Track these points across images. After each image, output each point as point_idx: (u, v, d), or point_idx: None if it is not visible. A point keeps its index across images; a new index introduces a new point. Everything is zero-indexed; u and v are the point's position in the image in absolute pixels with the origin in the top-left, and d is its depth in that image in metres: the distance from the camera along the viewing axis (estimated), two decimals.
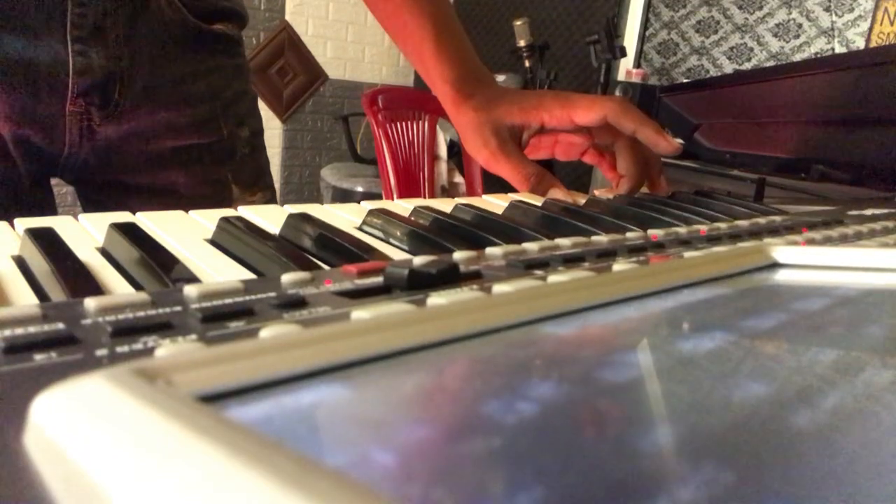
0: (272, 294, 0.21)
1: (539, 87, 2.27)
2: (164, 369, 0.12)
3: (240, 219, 0.31)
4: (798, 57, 2.32)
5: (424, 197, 1.67)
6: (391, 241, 0.34)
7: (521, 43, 2.28)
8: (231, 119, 0.62)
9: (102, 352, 0.16)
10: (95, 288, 0.22)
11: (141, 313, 0.18)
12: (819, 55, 2.28)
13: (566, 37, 2.80)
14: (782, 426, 0.12)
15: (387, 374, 0.14)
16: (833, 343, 0.18)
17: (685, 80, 2.59)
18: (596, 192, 0.55)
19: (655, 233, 0.35)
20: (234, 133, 0.62)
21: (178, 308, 0.19)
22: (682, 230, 0.36)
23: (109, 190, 0.59)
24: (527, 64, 2.28)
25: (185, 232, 0.31)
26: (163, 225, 0.32)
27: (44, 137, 0.52)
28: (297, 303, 0.20)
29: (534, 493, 0.09)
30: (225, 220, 0.31)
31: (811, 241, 0.33)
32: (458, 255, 0.27)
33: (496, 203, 0.46)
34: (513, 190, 0.53)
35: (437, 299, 0.20)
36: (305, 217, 0.33)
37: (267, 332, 0.16)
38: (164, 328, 0.17)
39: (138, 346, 0.16)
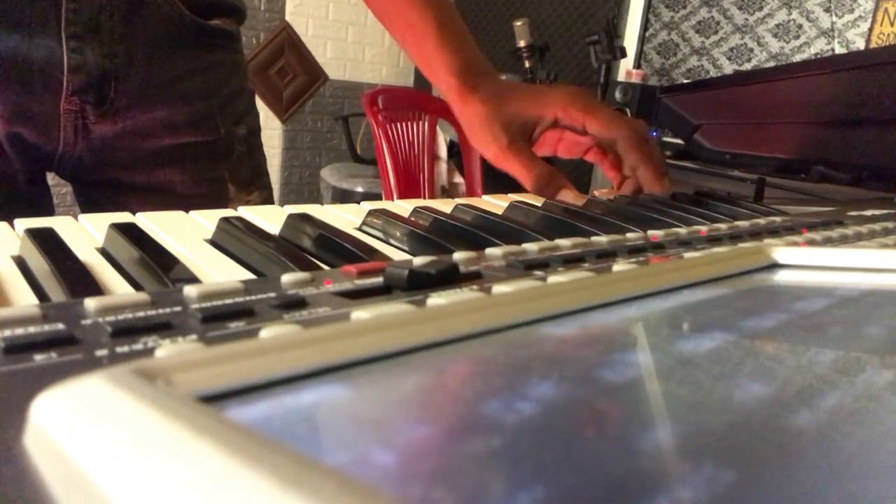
0: (272, 294, 0.21)
1: None
2: (164, 369, 0.12)
3: (240, 219, 0.31)
4: (798, 58, 2.32)
5: (424, 197, 1.67)
6: (391, 241, 0.34)
7: (521, 43, 2.28)
8: (228, 117, 0.61)
9: (102, 352, 0.16)
10: (95, 288, 0.22)
11: (141, 313, 0.18)
12: (819, 56, 2.28)
13: (566, 37, 2.80)
14: (782, 426, 0.12)
15: (387, 375, 0.14)
16: (833, 343, 0.18)
17: (685, 81, 2.59)
18: (596, 193, 0.55)
19: (655, 233, 0.35)
20: (231, 131, 0.61)
21: (178, 308, 0.19)
22: (681, 231, 0.36)
23: (105, 188, 0.58)
24: (527, 64, 2.28)
25: (184, 232, 0.31)
26: (163, 225, 0.32)
27: (38, 135, 0.52)
28: (297, 303, 0.20)
29: (533, 494, 0.09)
30: (225, 220, 0.31)
31: (811, 242, 0.33)
32: (458, 256, 0.27)
33: (496, 203, 0.46)
34: (513, 190, 0.53)
35: (436, 300, 0.20)
36: (305, 217, 0.33)
37: (267, 333, 0.16)
38: (164, 328, 0.17)
39: (138, 346, 0.16)
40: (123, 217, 0.32)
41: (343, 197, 2.43)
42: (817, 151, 0.81)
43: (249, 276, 0.26)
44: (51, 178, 0.60)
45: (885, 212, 0.49)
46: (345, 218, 0.37)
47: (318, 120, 3.10)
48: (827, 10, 2.23)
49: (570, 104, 0.52)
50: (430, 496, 0.09)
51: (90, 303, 0.18)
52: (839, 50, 2.21)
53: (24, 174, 0.54)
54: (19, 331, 0.16)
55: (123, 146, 0.56)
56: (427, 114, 2.16)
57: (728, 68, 2.51)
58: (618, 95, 2.10)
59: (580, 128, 0.53)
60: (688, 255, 0.28)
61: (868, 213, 0.48)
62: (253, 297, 0.20)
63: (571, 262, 0.28)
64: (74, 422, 0.11)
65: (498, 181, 0.56)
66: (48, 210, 0.60)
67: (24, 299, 0.22)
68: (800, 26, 2.31)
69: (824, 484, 0.10)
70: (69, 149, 0.54)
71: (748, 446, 0.11)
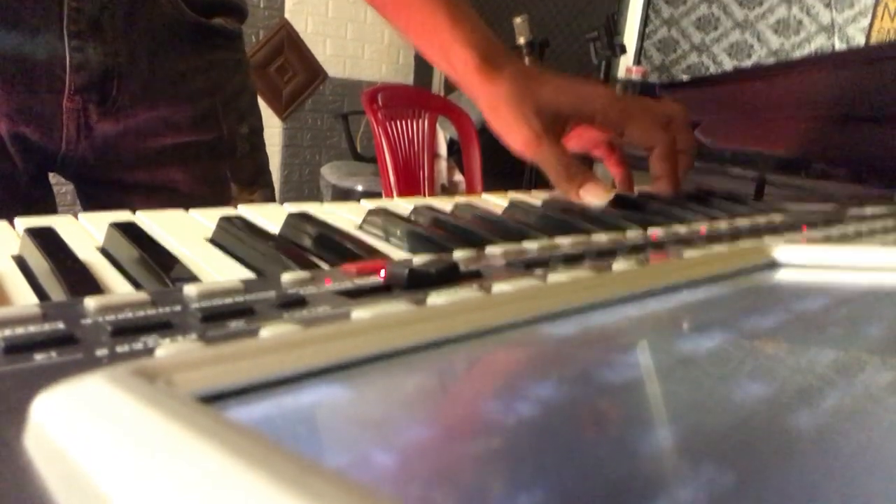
0: (272, 293, 0.21)
1: None
2: (164, 369, 0.12)
3: (240, 218, 0.31)
4: (798, 53, 2.32)
5: (424, 195, 1.67)
6: (391, 240, 0.34)
7: (521, 40, 2.27)
8: (231, 116, 0.61)
9: (102, 351, 0.16)
10: (95, 287, 0.22)
11: (141, 313, 0.18)
12: (819, 52, 2.28)
13: (566, 34, 2.80)
14: (782, 426, 0.12)
15: (387, 374, 0.14)
16: (833, 342, 0.18)
17: (685, 78, 2.58)
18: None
19: (655, 232, 0.35)
20: (233, 130, 0.61)
21: (178, 307, 0.19)
22: (681, 229, 0.36)
23: (108, 187, 0.58)
24: (526, 61, 2.27)
25: (185, 231, 0.31)
26: (163, 224, 0.32)
27: (41, 134, 0.52)
28: (297, 302, 0.20)
29: (534, 493, 0.09)
30: (225, 219, 0.31)
31: (811, 240, 0.33)
32: (458, 255, 0.27)
33: (496, 202, 0.46)
34: (513, 189, 0.53)
35: (436, 299, 0.20)
36: (305, 216, 0.33)
37: (267, 332, 0.16)
38: (164, 328, 0.17)
39: (138, 345, 0.16)
40: (123, 216, 0.32)
41: (343, 195, 2.43)
42: (817, 148, 0.81)
43: (249, 275, 0.26)
44: (51, 177, 0.60)
45: (885, 210, 0.49)
46: (345, 217, 0.37)
47: (317, 118, 3.10)
48: (827, 5, 2.23)
49: (610, 106, 0.48)
50: (429, 497, 0.09)
51: (90, 302, 0.18)
52: (839, 46, 2.20)
53: (27, 174, 0.54)
54: (19, 330, 0.16)
55: (126, 145, 0.56)
56: (427, 111, 2.15)
57: (728, 65, 2.50)
58: (618, 92, 2.10)
59: (617, 130, 0.49)
60: (688, 253, 0.28)
61: (868, 210, 0.48)
62: (253, 297, 0.20)
63: (571, 260, 0.28)
64: (74, 421, 0.11)
65: (498, 180, 0.55)
66: (51, 210, 0.60)
67: (24, 298, 0.22)
68: (800, 22, 2.31)
69: (824, 484, 0.10)
70: (72, 148, 0.54)
71: (748, 446, 0.11)
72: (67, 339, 0.16)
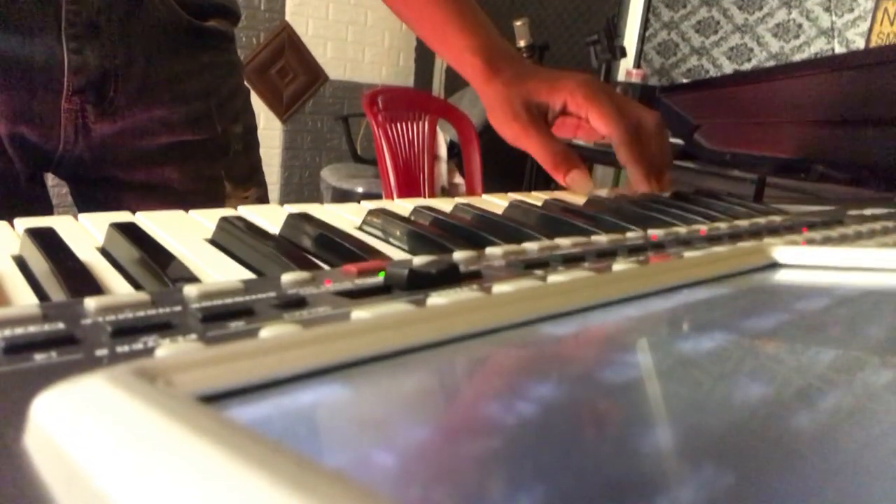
0: (272, 294, 0.21)
1: None
2: (165, 369, 0.12)
3: (240, 218, 0.31)
4: (798, 57, 2.32)
5: (424, 197, 1.67)
6: (391, 240, 0.34)
7: (521, 43, 2.28)
8: (225, 116, 0.62)
9: (102, 352, 0.16)
10: (95, 288, 0.22)
11: (141, 313, 0.18)
12: (819, 55, 2.28)
13: (566, 37, 2.81)
14: (782, 426, 0.12)
15: (387, 374, 0.14)
16: (833, 343, 0.18)
17: (685, 81, 2.59)
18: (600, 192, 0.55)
19: (655, 233, 0.35)
20: (227, 130, 0.62)
21: (178, 308, 0.19)
22: (681, 230, 0.36)
23: (104, 186, 0.59)
24: None
25: (185, 232, 0.31)
26: (163, 225, 0.32)
27: (39, 135, 0.53)
28: (297, 303, 0.20)
29: (534, 494, 0.09)
30: (225, 219, 0.31)
31: (811, 242, 0.33)
32: (458, 255, 0.27)
33: (496, 203, 0.46)
34: (513, 190, 0.53)
35: (436, 299, 0.20)
36: (305, 217, 0.33)
37: (267, 332, 0.16)
38: (164, 328, 0.17)
39: (138, 345, 0.16)
40: (123, 217, 0.32)
41: (343, 197, 2.43)
42: (817, 151, 0.81)
43: (249, 275, 0.26)
44: (50, 178, 0.60)
45: (885, 211, 0.49)
46: (345, 217, 0.37)
47: (318, 120, 3.10)
48: (827, 9, 2.23)
49: (577, 92, 0.53)
50: (429, 497, 0.09)
51: (90, 302, 0.18)
52: (839, 49, 2.21)
53: (25, 174, 0.55)
54: (19, 330, 0.16)
55: (122, 145, 0.56)
56: (427, 114, 2.16)
57: (728, 68, 2.51)
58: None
59: (584, 117, 0.53)
60: (688, 254, 0.28)
61: (868, 212, 0.48)
62: (253, 297, 0.20)
63: (571, 261, 0.28)
64: (74, 422, 0.11)
65: (498, 181, 0.56)
66: (47, 209, 0.60)
67: (24, 299, 0.22)
68: (800, 26, 2.31)
69: (824, 483, 0.10)
70: (69, 148, 0.54)
71: (748, 446, 0.11)
72: (67, 339, 0.16)
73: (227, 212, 0.35)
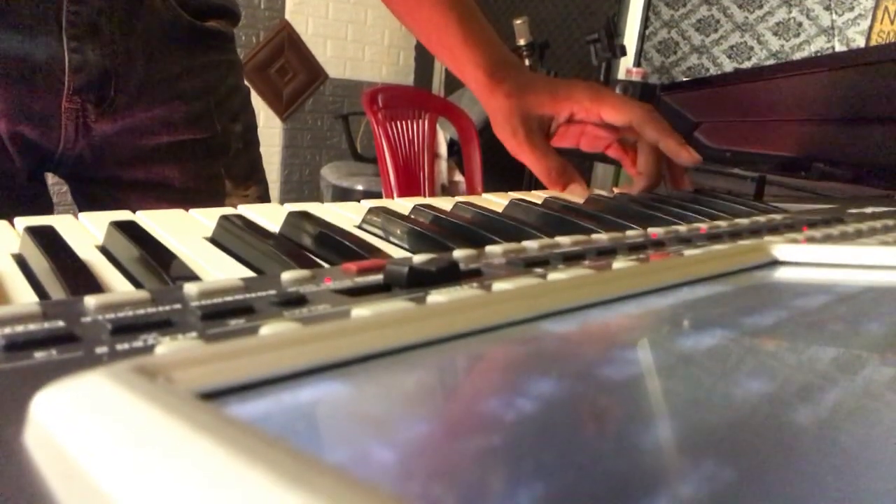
0: (272, 292, 0.21)
1: None
2: (165, 367, 0.12)
3: (240, 217, 0.31)
4: (798, 55, 2.32)
5: (424, 195, 1.67)
6: (391, 239, 0.34)
7: (521, 42, 2.27)
8: (224, 114, 0.62)
9: (102, 349, 0.16)
10: (95, 286, 0.22)
11: (141, 311, 0.18)
12: (819, 54, 2.28)
13: (566, 35, 2.80)
14: (782, 423, 0.12)
15: (387, 372, 0.14)
16: (833, 340, 0.18)
17: (685, 79, 2.59)
18: (615, 190, 0.56)
19: (655, 231, 0.35)
20: (227, 128, 0.62)
21: (178, 306, 0.19)
22: (682, 228, 0.36)
23: (104, 184, 0.59)
24: (527, 63, 2.27)
25: (185, 230, 0.31)
26: (163, 223, 0.32)
27: (40, 134, 0.53)
28: (297, 301, 0.20)
29: (534, 490, 0.09)
30: (225, 218, 0.31)
31: (811, 239, 0.33)
32: (458, 254, 0.27)
33: (496, 201, 0.46)
34: (513, 189, 0.53)
35: (436, 297, 0.20)
36: (305, 215, 0.33)
37: (267, 330, 0.16)
38: (164, 326, 0.17)
39: (138, 343, 0.16)
40: (123, 215, 0.32)
41: (343, 195, 2.43)
42: (817, 149, 0.81)
43: (249, 273, 0.25)
44: (49, 176, 0.60)
45: (885, 209, 0.49)
46: (345, 216, 0.37)
47: (318, 118, 3.10)
48: (827, 7, 2.23)
49: (582, 98, 0.54)
50: (429, 493, 0.09)
51: (90, 300, 0.18)
52: (839, 48, 2.20)
53: (25, 172, 0.55)
54: (19, 328, 0.16)
55: (123, 143, 0.56)
56: (427, 112, 2.15)
57: (728, 66, 2.50)
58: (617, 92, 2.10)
59: (596, 119, 0.54)
60: (688, 252, 0.28)
61: (868, 210, 0.48)
62: (253, 295, 0.20)
63: (571, 259, 0.28)
64: (74, 419, 0.11)
65: (498, 180, 0.57)
66: (47, 208, 0.60)
67: (25, 297, 0.22)
68: (800, 24, 2.31)
69: (824, 480, 0.10)
70: (70, 147, 0.54)
71: (748, 443, 0.11)
72: (67, 337, 0.16)
73: (227, 210, 0.35)
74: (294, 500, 0.08)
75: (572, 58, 2.77)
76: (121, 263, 0.26)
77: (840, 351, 0.17)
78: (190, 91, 0.59)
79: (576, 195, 0.51)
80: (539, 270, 0.25)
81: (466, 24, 0.57)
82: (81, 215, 0.33)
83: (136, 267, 0.25)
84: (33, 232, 0.26)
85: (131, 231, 0.27)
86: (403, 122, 2.08)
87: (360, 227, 0.35)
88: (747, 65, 2.46)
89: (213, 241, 0.30)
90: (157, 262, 0.24)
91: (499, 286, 0.20)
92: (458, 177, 2.33)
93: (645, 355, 0.17)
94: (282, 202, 0.39)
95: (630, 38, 2.70)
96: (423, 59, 3.24)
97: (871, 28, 2.13)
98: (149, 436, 0.09)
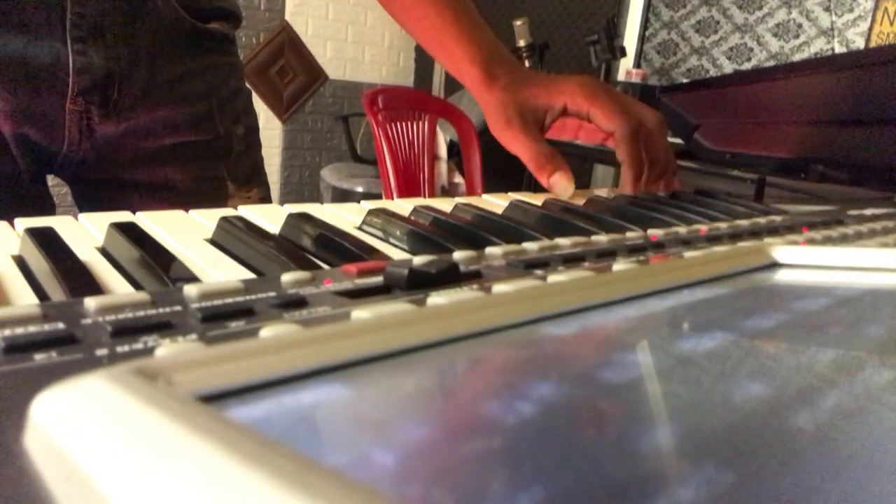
0: (272, 294, 0.21)
1: None
2: (165, 369, 0.12)
3: (240, 218, 0.31)
4: (798, 57, 2.32)
5: (424, 197, 1.67)
6: (391, 240, 0.34)
7: (521, 43, 2.28)
8: (227, 117, 0.62)
9: (102, 351, 0.16)
10: (95, 287, 0.22)
11: (141, 313, 0.18)
12: (819, 55, 2.28)
13: (566, 37, 2.80)
14: (782, 426, 0.12)
15: (387, 374, 0.14)
16: (833, 343, 0.18)
17: (685, 80, 2.59)
18: (595, 191, 0.56)
19: (655, 233, 0.35)
20: (229, 130, 0.63)
21: (178, 308, 0.19)
22: (681, 230, 0.36)
23: (106, 186, 0.59)
24: (527, 64, 2.28)
25: (185, 232, 0.31)
26: (163, 225, 0.32)
27: (44, 135, 0.53)
28: (297, 302, 0.20)
29: (533, 493, 0.09)
30: (225, 219, 0.31)
31: (811, 241, 0.33)
32: (458, 255, 0.27)
33: (496, 203, 0.46)
34: (513, 190, 0.53)
35: (436, 299, 0.20)
36: (305, 217, 0.33)
37: (267, 332, 0.16)
38: (164, 328, 0.17)
39: (138, 345, 0.16)
40: (123, 217, 0.32)
41: (343, 197, 2.43)
42: (817, 151, 0.81)
43: (249, 275, 0.25)
44: (50, 178, 0.60)
45: (885, 211, 0.49)
46: (345, 217, 0.37)
47: (318, 120, 3.10)
48: (827, 9, 2.23)
49: (577, 93, 0.54)
50: (429, 496, 0.09)
51: (90, 302, 0.18)
52: (839, 49, 2.21)
53: (28, 174, 0.55)
54: (19, 330, 0.16)
55: (126, 145, 0.56)
56: (427, 113, 2.15)
57: (728, 68, 2.50)
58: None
59: (585, 117, 0.54)
60: (688, 254, 0.28)
61: (868, 212, 0.48)
62: (253, 297, 0.20)
63: (571, 261, 0.28)
64: (74, 421, 0.11)
65: (498, 181, 0.57)
66: (50, 209, 0.60)
67: (24, 299, 0.22)
68: (799, 25, 2.31)
69: (824, 483, 0.10)
70: (73, 148, 0.55)
71: (748, 446, 0.11)
72: (67, 339, 0.16)
73: (227, 212, 0.35)
74: (294, 503, 0.08)
75: (572, 59, 2.77)
76: (121, 265, 0.26)
77: (840, 353, 0.17)
78: (192, 93, 0.59)
79: (560, 186, 0.50)
80: (539, 272, 0.25)
81: (462, 22, 0.57)
82: (81, 216, 0.33)
83: (136, 268, 0.25)
84: (33, 233, 0.26)
85: (131, 232, 0.27)
86: (403, 124, 2.08)
87: (360, 229, 0.35)
88: (747, 66, 2.46)
89: (213, 242, 0.30)
90: (157, 263, 0.24)
91: (499, 288, 0.20)
92: (458, 178, 2.33)
93: (645, 358, 0.17)
94: (282, 203, 0.39)
95: (630, 40, 2.70)
96: (423, 61, 3.24)
97: (870, 29, 2.13)
98: (149, 438, 0.09)
